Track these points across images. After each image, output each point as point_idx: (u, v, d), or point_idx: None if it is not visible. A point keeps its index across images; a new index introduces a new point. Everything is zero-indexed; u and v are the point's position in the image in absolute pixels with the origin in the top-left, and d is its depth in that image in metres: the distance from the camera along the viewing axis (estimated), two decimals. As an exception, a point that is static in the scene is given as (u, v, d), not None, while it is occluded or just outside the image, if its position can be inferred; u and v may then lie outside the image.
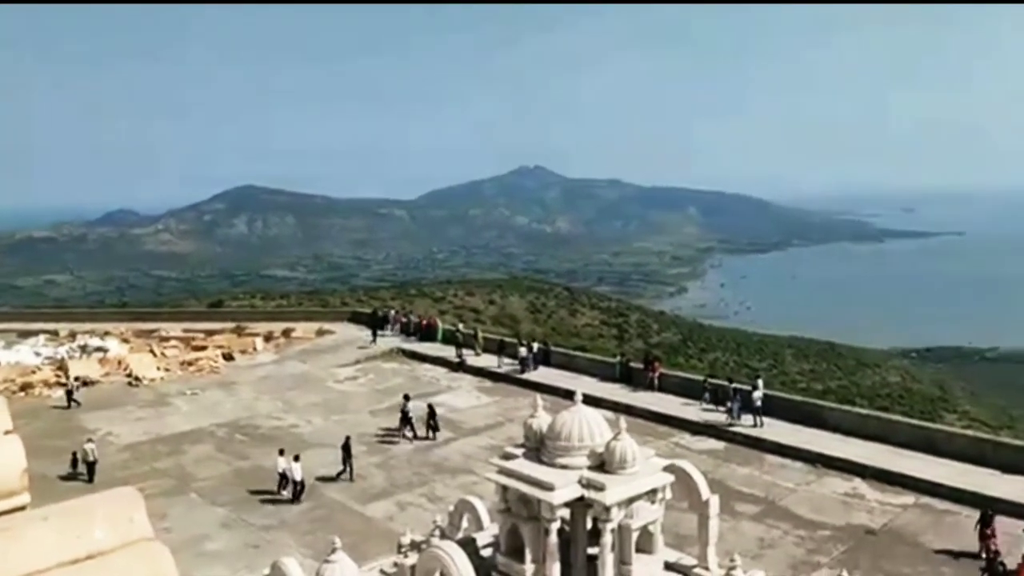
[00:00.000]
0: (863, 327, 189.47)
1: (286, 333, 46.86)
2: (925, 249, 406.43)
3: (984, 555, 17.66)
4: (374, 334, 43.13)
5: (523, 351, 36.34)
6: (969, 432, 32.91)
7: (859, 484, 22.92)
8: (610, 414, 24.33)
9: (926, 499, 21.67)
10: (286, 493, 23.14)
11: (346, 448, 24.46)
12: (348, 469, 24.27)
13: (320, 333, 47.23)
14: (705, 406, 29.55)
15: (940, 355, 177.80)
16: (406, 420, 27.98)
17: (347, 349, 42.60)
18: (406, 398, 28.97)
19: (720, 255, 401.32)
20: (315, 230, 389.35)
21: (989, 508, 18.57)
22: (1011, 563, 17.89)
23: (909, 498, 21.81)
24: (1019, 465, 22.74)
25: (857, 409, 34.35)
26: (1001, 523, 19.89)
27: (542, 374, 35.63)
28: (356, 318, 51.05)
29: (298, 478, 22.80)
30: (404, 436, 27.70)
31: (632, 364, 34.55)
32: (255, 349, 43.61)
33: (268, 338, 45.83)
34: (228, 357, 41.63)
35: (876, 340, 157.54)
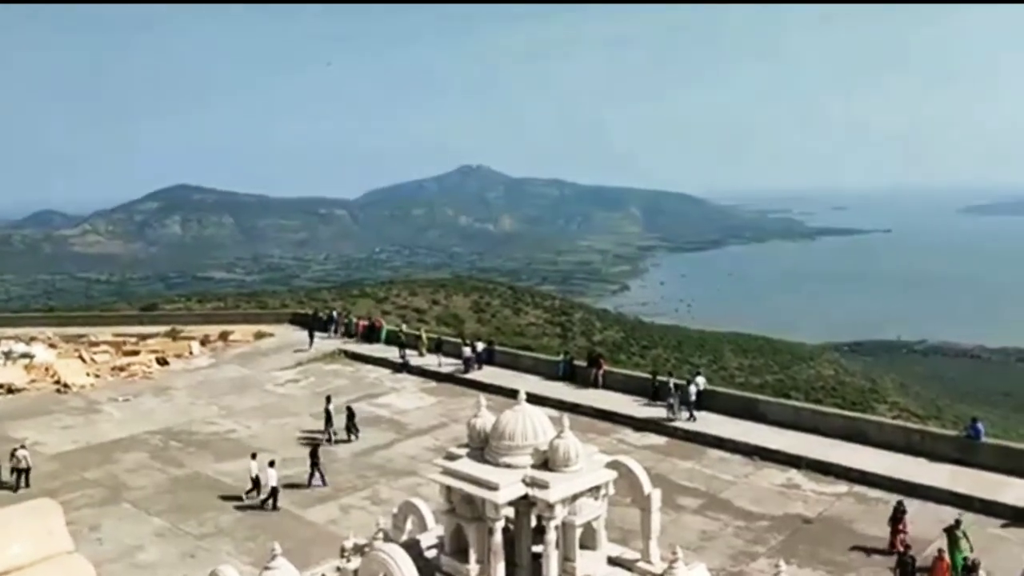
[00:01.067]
0: (798, 322, 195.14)
1: (223, 336, 45.74)
2: (855, 246, 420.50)
3: (895, 550, 17.75)
4: (311, 336, 42.28)
5: (467, 351, 36.24)
6: (898, 422, 34.16)
7: (795, 475, 23.53)
8: (554, 412, 24.46)
9: (859, 488, 22.37)
10: (255, 497, 22.56)
11: (313, 454, 24.03)
12: (319, 475, 23.82)
13: (259, 336, 46.26)
14: (648, 402, 29.93)
15: (871, 348, 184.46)
16: (330, 422, 27.61)
17: (287, 352, 41.82)
18: (328, 399, 28.52)
19: (661, 253, 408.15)
20: (253, 231, 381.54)
21: (900, 503, 18.81)
22: (934, 549, 18.62)
23: (842, 487, 22.50)
24: (946, 453, 23.68)
25: (792, 402, 35.37)
26: (928, 509, 20.72)
27: (487, 373, 35.59)
28: (296, 320, 50.19)
29: (273, 483, 22.14)
30: (327, 439, 27.31)
31: (576, 362, 34.81)
32: (191, 353, 42.45)
33: (204, 342, 44.65)
34: (162, 362, 40.42)
35: (810, 334, 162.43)
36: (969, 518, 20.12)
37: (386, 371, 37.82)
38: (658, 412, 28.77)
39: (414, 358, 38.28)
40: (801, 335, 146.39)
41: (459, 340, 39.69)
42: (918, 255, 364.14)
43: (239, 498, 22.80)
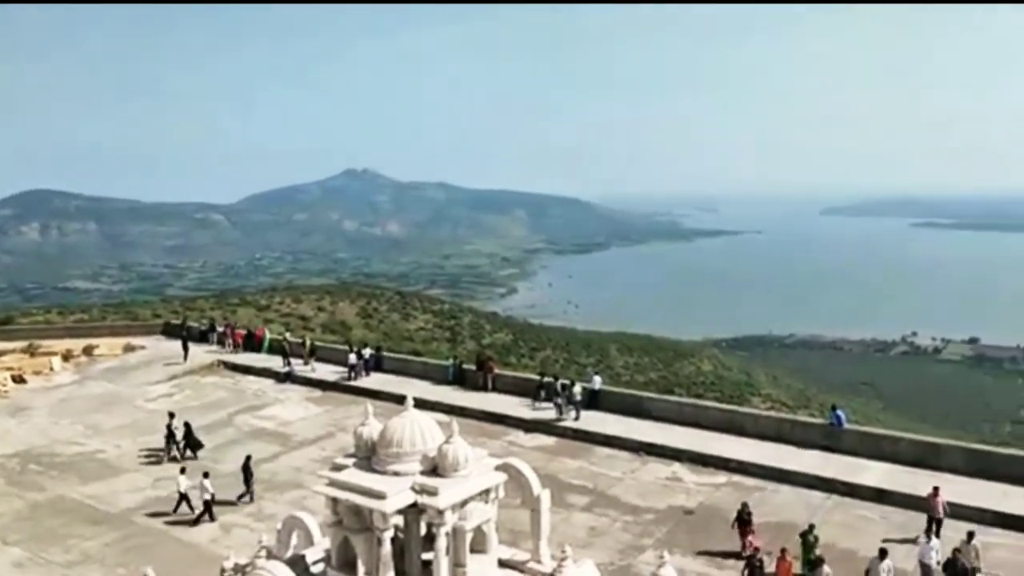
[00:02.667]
0: (679, 320, 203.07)
1: (88, 350, 42.81)
2: (729, 246, 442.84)
3: (743, 553, 17.79)
4: (185, 348, 40.09)
5: (352, 357, 35.49)
6: (771, 413, 36.10)
7: (678, 468, 24.38)
8: (444, 417, 24.28)
9: (737, 477, 23.43)
10: (191, 513, 21.67)
11: (246, 468, 22.99)
12: (249, 491, 22.84)
13: (128, 349, 43.59)
14: (538, 404, 30.23)
15: (746, 343, 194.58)
16: (171, 438, 26.33)
17: (159, 365, 39.60)
18: (171, 415, 27.14)
19: (547, 256, 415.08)
20: (121, 237, 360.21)
21: (745, 505, 18.77)
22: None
23: (722, 477, 23.49)
24: (813, 441, 25.17)
25: (675, 398, 36.64)
26: (799, 494, 21.95)
27: (375, 380, 34.98)
28: (168, 331, 47.64)
29: (209, 495, 21.42)
30: (169, 456, 26.06)
31: (465, 366, 34.76)
32: (52, 369, 39.46)
33: (67, 357, 41.62)
34: (19, 380, 37.37)
35: (691, 332, 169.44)
36: (835, 500, 21.52)
37: (269, 382, 36.50)
38: (547, 413, 29.12)
39: (299, 367, 37.17)
40: (682, 333, 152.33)
41: (346, 347, 38.81)
42: (786, 254, 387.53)
43: (107, 522, 21.37)
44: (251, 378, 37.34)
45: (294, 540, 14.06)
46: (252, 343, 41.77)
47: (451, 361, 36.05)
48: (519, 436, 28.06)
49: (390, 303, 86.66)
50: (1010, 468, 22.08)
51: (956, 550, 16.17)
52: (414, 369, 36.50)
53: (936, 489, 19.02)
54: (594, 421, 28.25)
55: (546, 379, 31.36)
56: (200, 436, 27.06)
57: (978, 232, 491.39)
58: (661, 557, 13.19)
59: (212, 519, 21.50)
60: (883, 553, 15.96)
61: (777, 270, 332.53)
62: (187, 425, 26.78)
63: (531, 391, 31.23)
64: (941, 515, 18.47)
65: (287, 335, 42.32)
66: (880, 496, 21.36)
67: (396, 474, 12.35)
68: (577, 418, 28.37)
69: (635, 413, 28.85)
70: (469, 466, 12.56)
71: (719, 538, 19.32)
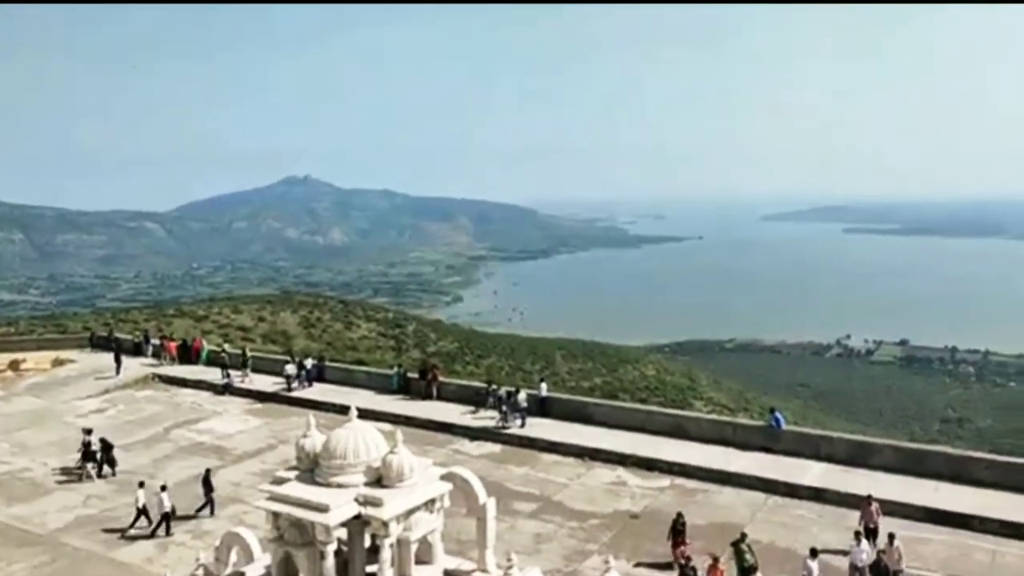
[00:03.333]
0: (624, 326, 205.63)
1: (13, 365, 41.01)
2: (673, 253, 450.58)
3: (676, 564, 17.59)
4: (118, 361, 38.66)
5: (289, 368, 34.82)
6: (714, 417, 36.78)
7: (623, 472, 24.59)
8: (389, 427, 24.08)
9: (680, 480, 23.75)
10: (146, 528, 21.06)
11: (206, 482, 22.36)
12: (210, 504, 22.22)
13: (58, 363, 41.91)
14: (483, 411, 30.15)
15: (689, 348, 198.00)
16: (88, 456, 25.35)
17: (91, 379, 38.15)
18: (87, 432, 26.06)
19: (492, 263, 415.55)
20: (49, 247, 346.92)
21: (679, 516, 18.58)
22: (750, 533, 20.12)
23: (665, 481, 23.78)
24: (754, 442, 25.70)
25: (619, 403, 37.03)
26: (740, 495, 22.36)
27: (318, 390, 34.42)
28: (98, 343, 46.00)
29: (167, 508, 20.92)
30: (88, 474, 25.18)
31: (410, 374, 34.48)
32: (-25, 385, 37.67)
33: (-8, 372, 39.81)
34: (-61, 397, 35.56)
35: (635, 337, 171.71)
36: (775, 500, 21.99)
37: (207, 394, 35.55)
38: (494, 421, 29.07)
39: (238, 379, 36.32)
40: (627, 338, 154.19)
41: (287, 357, 38.09)
42: (726, 260, 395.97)
43: (36, 544, 20.44)
44: (188, 391, 36.32)
45: (233, 557, 13.70)
46: (188, 355, 40.64)
47: (395, 370, 35.70)
48: (465, 444, 27.94)
49: (333, 312, 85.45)
50: (938, 465, 22.92)
51: (880, 551, 16.62)
52: (358, 379, 36.06)
53: (869, 497, 19.06)
54: (540, 428, 28.33)
55: (492, 387, 31.33)
56: (133, 453, 26.14)
57: (908, 237, 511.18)
58: (607, 563, 13.27)
59: (169, 533, 21.02)
60: (814, 552, 16.33)
61: (718, 275, 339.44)
62: (103, 441, 25.76)
63: (476, 399, 31.17)
64: (876, 524, 18.51)
65: (226, 346, 41.30)
66: (817, 495, 21.92)
67: (339, 486, 12.15)
68: (523, 425, 28.40)
69: (580, 419, 29.04)
70: (414, 476, 12.44)
71: (663, 541, 19.51)
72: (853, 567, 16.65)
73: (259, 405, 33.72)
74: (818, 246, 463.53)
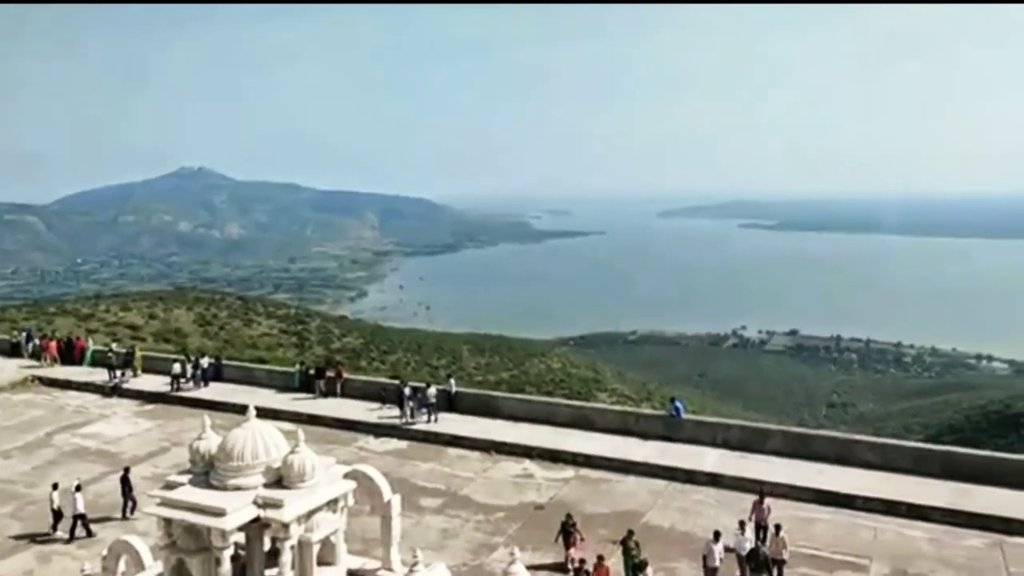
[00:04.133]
0: (529, 320, 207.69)
1: None
2: (577, 247, 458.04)
3: (568, 566, 17.48)
4: None
5: (176, 367, 33.41)
6: (616, 407, 37.71)
7: (529, 464, 24.81)
8: (290, 426, 23.41)
9: (584, 471, 24.17)
10: (61, 532, 19.96)
11: (125, 480, 21.22)
12: (130, 504, 21.11)
13: (-76, 366, 38.72)
14: (388, 407, 29.80)
15: (593, 341, 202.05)
16: None
17: (-37, 382, 35.48)
18: None
19: (398, 258, 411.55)
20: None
21: (568, 517, 18.27)
22: (649, 518, 20.69)
23: (570, 472, 24.15)
24: (655, 432, 26.42)
25: (526, 396, 37.37)
26: (642, 483, 22.96)
27: (214, 390, 33.16)
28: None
29: (80, 509, 19.91)
30: None
31: (313, 372, 33.66)
32: None
33: None
34: None
35: (541, 331, 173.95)
36: (675, 487, 22.69)
37: (93, 396, 33.65)
38: (399, 417, 28.77)
39: (128, 380, 34.59)
40: (533, 332, 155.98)
41: (181, 356, 36.50)
42: (627, 254, 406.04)
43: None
44: (72, 393, 34.29)
45: (122, 567, 13.02)
46: (72, 355, 38.35)
47: (297, 367, 34.79)
48: (370, 441, 27.54)
49: (231, 309, 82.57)
50: (825, 448, 24.20)
51: (759, 541, 17.00)
52: (258, 377, 34.98)
53: (761, 495, 18.99)
54: (447, 422, 28.25)
55: (396, 382, 31.00)
56: (14, 461, 24.48)
57: (798, 232, 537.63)
58: (512, 555, 13.33)
59: (90, 534, 20.05)
60: (717, 535, 16.87)
61: (620, 269, 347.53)
62: None
63: (382, 395, 30.80)
64: (766, 522, 18.27)
65: (113, 345, 39.23)
66: (714, 480, 22.76)
67: (237, 489, 11.71)
68: (431, 420, 28.26)
69: (487, 413, 29.12)
70: (316, 476, 12.13)
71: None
72: (739, 557, 16.92)
73: (150, 407, 32.19)
74: (715, 241, 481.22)
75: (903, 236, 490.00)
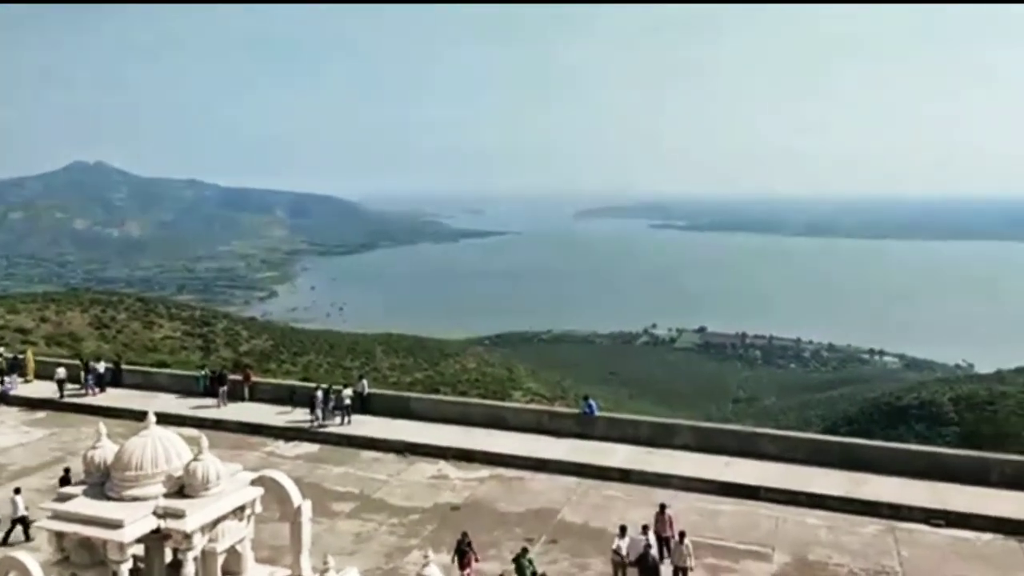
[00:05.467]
0: (444, 320, 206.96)
1: None
2: (493, 247, 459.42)
3: None
4: None
5: (61, 372, 31.77)
6: (531, 406, 38.05)
7: (444, 465, 24.70)
8: (194, 432, 22.54)
9: (499, 470, 24.23)
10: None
11: (65, 482, 19.32)
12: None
13: None
14: (299, 411, 29.10)
15: (508, 340, 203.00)
16: None
17: None
18: None
19: (310, 257, 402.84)
20: None
21: (464, 536, 17.45)
22: (564, 515, 20.93)
23: (485, 471, 24.17)
24: (569, 429, 26.74)
25: (440, 397, 37.23)
26: (555, 481, 23.20)
27: (112, 396, 31.61)
28: None
29: (21, 512, 19.19)
30: None
31: (224, 375, 32.47)
32: None
33: None
34: None
35: (456, 331, 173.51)
36: (587, 483, 23.03)
37: (-23, 405, 31.51)
38: (311, 420, 28.15)
39: (17, 386, 32.59)
40: (448, 332, 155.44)
41: (76, 361, 34.63)
42: (543, 254, 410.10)
43: None
44: (-46, 402, 32.00)
45: (9, 586, 12.22)
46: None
47: (202, 372, 33.54)
48: (280, 446, 26.82)
49: (130, 311, 78.88)
50: (730, 442, 25.05)
51: (647, 546, 16.75)
52: (159, 382, 33.57)
53: (662, 507, 18.43)
54: (361, 424, 27.83)
55: (308, 384, 30.31)
56: None
57: (706, 232, 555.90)
58: (426, 557, 13.25)
59: (28, 538, 19.05)
60: (623, 530, 17.08)
61: (535, 269, 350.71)
62: None
63: (292, 398, 30.09)
64: (669, 533, 17.82)
65: (1, 350, 36.84)
66: (625, 476, 23.21)
67: (135, 499, 11.23)
68: (346, 423, 27.77)
69: (402, 414, 28.84)
70: (221, 483, 11.75)
71: (485, 529, 19.84)
72: (619, 554, 16.76)
73: (41, 415, 30.40)
74: (627, 241, 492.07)
75: (805, 237, 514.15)
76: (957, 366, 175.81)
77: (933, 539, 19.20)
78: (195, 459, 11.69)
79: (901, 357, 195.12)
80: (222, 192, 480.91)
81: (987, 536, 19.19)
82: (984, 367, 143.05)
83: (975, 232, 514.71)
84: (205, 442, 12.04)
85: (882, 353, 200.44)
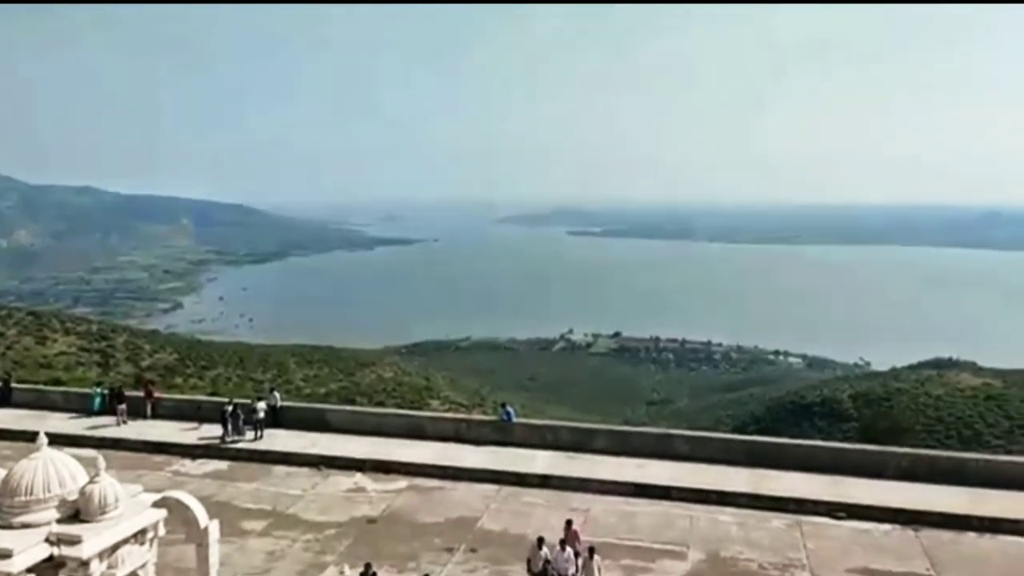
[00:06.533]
0: (361, 329, 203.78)
1: None
2: (409, 255, 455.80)
3: None
4: None
5: None
6: (449, 415, 37.71)
7: (360, 478, 24.21)
8: (92, 452, 21.37)
9: (417, 480, 23.93)
10: None
11: None
12: None
13: None
14: (208, 427, 27.99)
15: (425, 348, 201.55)
16: None
17: None
18: None
19: (218, 267, 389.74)
20: None
21: (370, 569, 15.89)
22: (483, 523, 20.84)
23: (403, 482, 23.83)
24: (487, 437, 26.68)
25: (356, 408, 36.58)
26: (473, 489, 23.09)
27: (0, 417, 29.61)
28: None
29: None
30: None
31: (123, 392, 30.89)
32: None
33: None
34: None
35: (372, 340, 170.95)
36: (506, 491, 23.02)
37: None
38: (220, 436, 27.11)
39: None
40: (364, 342, 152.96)
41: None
42: (462, 261, 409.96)
43: None
44: None
45: None
46: None
47: (98, 389, 31.82)
48: (186, 464, 25.71)
49: (20, 325, 74.32)
50: (645, 444, 25.54)
51: (547, 562, 16.47)
52: (53, 400, 31.71)
53: (569, 523, 17.81)
54: (273, 439, 27.01)
55: (221, 399, 29.21)
56: None
57: (622, 239, 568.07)
58: (341, 572, 12.93)
59: None
60: (540, 541, 16.85)
61: (453, 276, 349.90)
62: None
63: (199, 413, 28.94)
64: (576, 548, 17.10)
65: None
66: (544, 482, 23.31)
67: (26, 526, 10.54)
68: (260, 437, 26.88)
69: (316, 427, 28.16)
70: (120, 506, 11.15)
71: (403, 541, 19.54)
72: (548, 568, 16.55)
73: (-80, 439, 28.19)
74: (544, 248, 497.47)
75: (714, 243, 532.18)
76: (855, 364, 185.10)
77: (836, 531, 20.06)
78: (91, 481, 11.06)
79: (804, 357, 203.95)
80: (122, 199, 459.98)
81: (885, 527, 20.19)
82: (880, 365, 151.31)
83: (866, 237, 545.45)
84: (102, 463, 11.41)
85: (786, 354, 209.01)
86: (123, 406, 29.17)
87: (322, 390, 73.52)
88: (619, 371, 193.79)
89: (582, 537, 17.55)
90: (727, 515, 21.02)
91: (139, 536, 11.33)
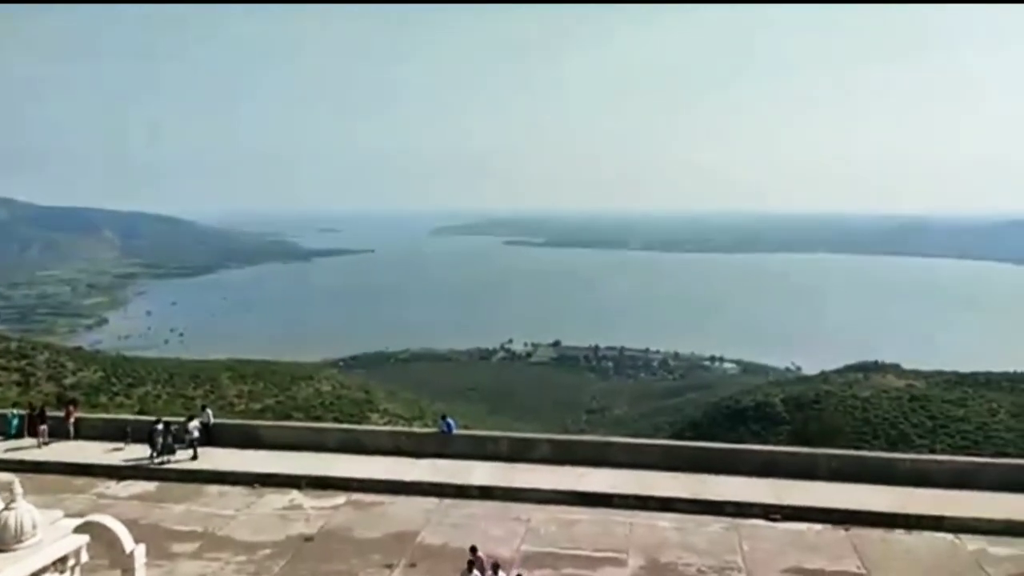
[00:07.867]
0: (297, 342, 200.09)
1: None
2: (345, 266, 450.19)
3: None
4: None
5: None
6: (388, 428, 37.31)
7: (297, 495, 23.60)
8: (10, 476, 20.30)
9: (356, 495, 23.46)
10: None
11: None
12: None
13: None
14: (136, 447, 26.89)
15: (364, 361, 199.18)
16: None
17: None
18: None
19: (145, 281, 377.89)
20: None
21: None
22: (424, 538, 20.56)
23: (341, 498, 23.32)
24: (428, 449, 26.35)
25: (292, 423, 35.76)
26: (413, 502, 22.78)
27: (-93, 442, 27.90)
28: None
29: None
30: None
31: (44, 412, 29.43)
32: None
33: None
34: None
35: (308, 353, 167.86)
36: (447, 503, 22.78)
37: None
38: (149, 456, 26.08)
39: None
40: (300, 355, 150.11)
41: None
42: (398, 272, 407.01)
43: None
44: None
45: None
46: None
47: (13, 410, 30.25)
48: (112, 486, 24.63)
49: (-66, 344, 70.53)
50: (585, 452, 25.64)
51: None
52: (-33, 423, 29.96)
53: (473, 548, 17.33)
54: (205, 457, 26.10)
55: (150, 418, 28.10)
56: None
57: (560, 248, 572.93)
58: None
59: None
60: (474, 550, 16.93)
61: (391, 287, 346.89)
62: None
63: (126, 433, 27.80)
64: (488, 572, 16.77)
65: None
66: (485, 493, 23.14)
67: (-70, 560, 9.83)
68: (195, 457, 25.94)
69: (250, 444, 27.36)
70: (38, 533, 10.58)
71: (341, 559, 19.11)
72: None
73: None
74: (481, 258, 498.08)
75: (649, 251, 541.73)
76: (787, 369, 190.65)
77: (772, 533, 20.47)
78: (6, 508, 10.46)
79: (738, 363, 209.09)
80: (40, 212, 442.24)
81: (818, 527, 20.71)
82: (810, 369, 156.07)
83: (797, 245, 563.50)
84: (19, 488, 10.81)
85: (721, 359, 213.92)
86: (44, 427, 27.83)
87: (257, 406, 71.83)
88: (559, 380, 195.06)
89: (499, 551, 17.28)
90: (667, 520, 21.23)
91: (59, 564, 10.76)
